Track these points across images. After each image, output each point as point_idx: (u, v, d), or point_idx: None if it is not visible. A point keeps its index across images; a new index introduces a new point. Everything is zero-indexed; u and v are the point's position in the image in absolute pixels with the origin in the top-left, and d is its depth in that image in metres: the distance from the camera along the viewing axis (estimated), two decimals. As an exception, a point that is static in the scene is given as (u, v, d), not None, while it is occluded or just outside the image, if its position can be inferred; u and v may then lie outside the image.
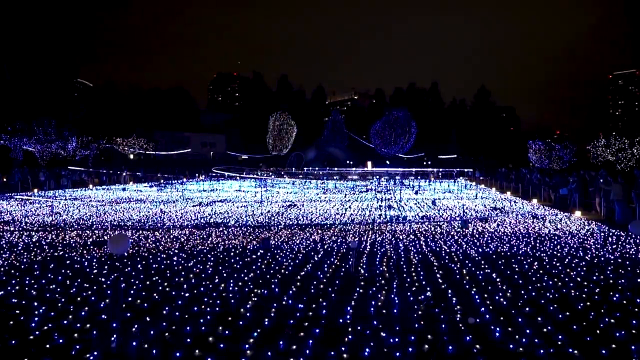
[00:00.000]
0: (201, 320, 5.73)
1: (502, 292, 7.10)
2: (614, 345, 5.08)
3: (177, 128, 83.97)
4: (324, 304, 6.43)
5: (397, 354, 4.82)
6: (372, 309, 6.24)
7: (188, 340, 5.16)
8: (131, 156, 63.05)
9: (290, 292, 6.99)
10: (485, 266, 8.81)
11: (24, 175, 32.43)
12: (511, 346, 5.05)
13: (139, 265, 8.69)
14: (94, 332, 5.27)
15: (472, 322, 5.72)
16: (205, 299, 6.61)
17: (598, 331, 5.52)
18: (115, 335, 5.00)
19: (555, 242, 11.46)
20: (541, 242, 11.45)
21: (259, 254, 9.89)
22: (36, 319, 5.73)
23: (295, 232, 13.04)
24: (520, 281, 7.73)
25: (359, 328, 5.53)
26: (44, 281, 7.51)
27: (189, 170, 53.62)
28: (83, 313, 5.98)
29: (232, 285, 7.36)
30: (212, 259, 9.36)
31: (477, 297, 6.79)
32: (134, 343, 4.99)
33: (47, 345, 4.99)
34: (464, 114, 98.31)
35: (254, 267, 8.67)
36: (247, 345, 5.02)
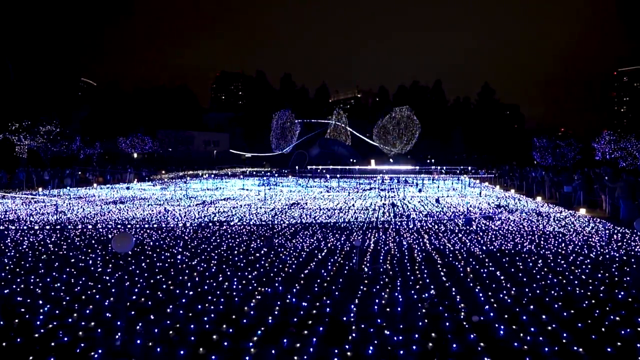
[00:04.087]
0: (205, 319, 5.74)
1: (506, 290, 7.08)
2: (619, 344, 5.06)
3: (180, 127, 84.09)
4: (328, 302, 6.43)
5: (401, 352, 4.81)
6: (375, 307, 6.23)
7: (192, 338, 5.17)
8: (135, 155, 63.20)
9: (294, 290, 7.00)
10: (490, 264, 8.78)
11: (28, 174, 32.56)
12: (515, 344, 5.03)
13: (143, 264, 8.71)
14: (99, 331, 5.29)
15: (476, 320, 5.71)
16: (209, 297, 6.62)
17: (603, 329, 5.49)
18: (119, 333, 5.01)
19: (560, 240, 11.41)
20: (545, 240, 11.41)
21: (262, 252, 9.90)
22: (41, 317, 5.76)
23: (299, 230, 13.04)
24: (525, 279, 7.71)
25: (362, 326, 5.52)
26: (48, 280, 7.55)
27: (192, 169, 53.74)
28: (87, 311, 6.00)
29: (235, 283, 7.37)
30: (215, 257, 9.38)
31: (481, 295, 6.77)
32: (139, 341, 5.01)
33: (52, 344, 5.01)
34: (468, 112, 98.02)
35: (257, 265, 8.68)
36: (251, 344, 5.02)
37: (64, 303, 6.36)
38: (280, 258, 9.31)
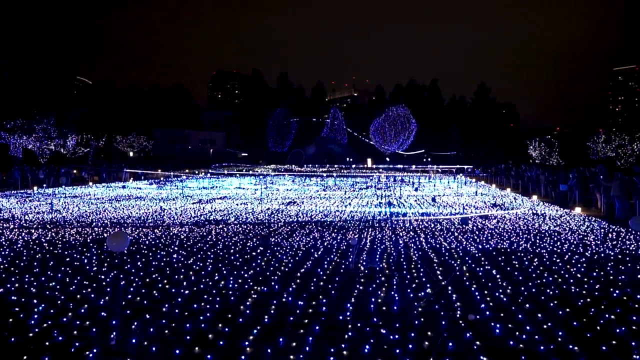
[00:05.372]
0: (201, 318, 5.73)
1: (502, 288, 7.09)
2: (614, 342, 5.07)
3: (176, 126, 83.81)
4: (324, 301, 6.43)
5: (397, 350, 4.81)
6: (372, 305, 6.23)
7: (188, 337, 5.15)
8: (131, 154, 63.01)
9: (290, 289, 6.99)
10: (485, 263, 8.80)
11: (23, 173, 32.37)
12: (511, 343, 5.04)
13: (139, 263, 8.68)
14: (94, 330, 5.27)
15: (472, 318, 5.71)
16: (205, 296, 6.60)
17: (598, 327, 5.51)
18: (115, 333, 4.99)
19: (556, 239, 11.45)
20: (541, 239, 11.44)
21: (258, 251, 9.89)
22: (36, 316, 5.73)
23: (295, 229, 13.03)
24: (520, 278, 7.73)
25: (359, 325, 5.52)
26: (43, 279, 7.51)
27: (188, 168, 53.64)
28: (82, 311, 5.97)
29: (231, 282, 7.36)
30: (211, 256, 9.36)
31: (477, 293, 6.78)
32: (134, 340, 4.99)
33: (47, 343, 4.98)
34: (464, 111, 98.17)
35: (253, 264, 8.66)
36: (246, 343, 5.01)
37: (59, 302, 6.33)
38: (276, 257, 9.30)
